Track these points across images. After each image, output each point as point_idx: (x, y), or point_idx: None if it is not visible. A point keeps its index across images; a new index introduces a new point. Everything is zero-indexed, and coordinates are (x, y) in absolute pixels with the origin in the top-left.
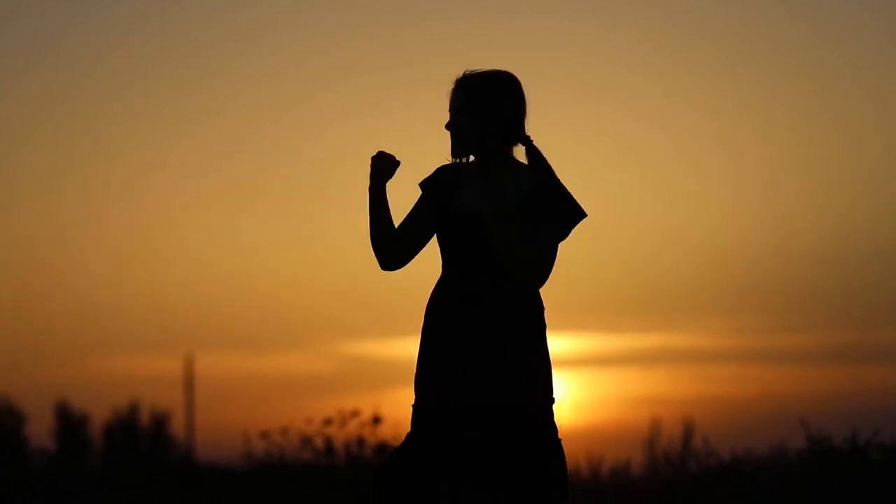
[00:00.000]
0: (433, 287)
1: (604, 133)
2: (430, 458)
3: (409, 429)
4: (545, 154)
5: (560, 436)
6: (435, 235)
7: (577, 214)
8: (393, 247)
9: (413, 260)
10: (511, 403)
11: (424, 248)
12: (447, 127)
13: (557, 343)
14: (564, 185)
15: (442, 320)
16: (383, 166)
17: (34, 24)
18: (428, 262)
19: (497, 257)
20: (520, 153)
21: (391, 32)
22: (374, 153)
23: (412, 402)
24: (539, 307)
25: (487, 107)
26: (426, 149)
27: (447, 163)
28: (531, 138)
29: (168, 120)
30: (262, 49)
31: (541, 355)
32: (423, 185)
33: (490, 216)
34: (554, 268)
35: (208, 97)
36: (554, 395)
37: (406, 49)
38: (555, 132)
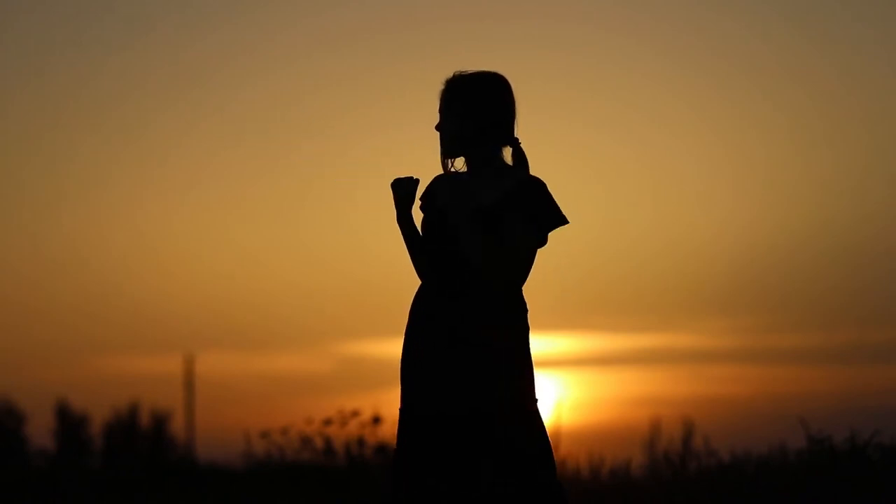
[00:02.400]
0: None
1: (603, 134)
2: (421, 463)
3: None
4: (543, 151)
5: (553, 439)
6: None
7: (559, 219)
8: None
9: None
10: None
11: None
12: (437, 128)
13: (558, 343)
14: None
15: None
16: (404, 191)
17: (38, 29)
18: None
19: (465, 257)
20: (507, 155)
21: (386, 34)
22: (392, 182)
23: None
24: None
25: (476, 109)
26: (421, 149)
27: (441, 173)
28: (519, 140)
29: (168, 121)
30: (263, 51)
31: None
32: (420, 199)
33: (456, 214)
34: (552, 269)
35: (209, 98)
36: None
37: (400, 50)
38: (555, 131)
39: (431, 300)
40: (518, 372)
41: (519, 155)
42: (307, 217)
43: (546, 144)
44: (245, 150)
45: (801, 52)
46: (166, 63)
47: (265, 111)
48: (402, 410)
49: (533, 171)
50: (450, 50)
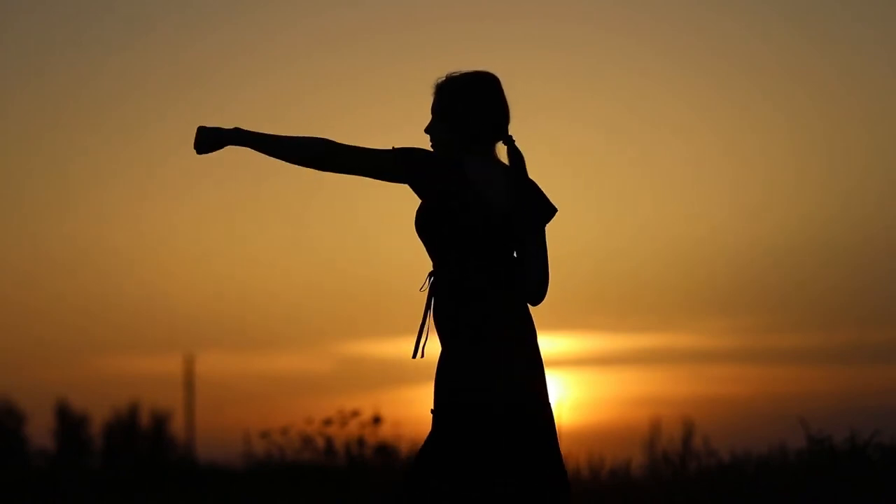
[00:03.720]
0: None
1: (603, 133)
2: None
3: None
4: (543, 151)
5: (558, 436)
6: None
7: (552, 210)
8: (312, 153)
9: (415, 261)
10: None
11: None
12: (426, 130)
13: (558, 343)
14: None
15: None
16: (202, 138)
17: (38, 29)
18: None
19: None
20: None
21: (386, 34)
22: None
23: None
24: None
25: (465, 112)
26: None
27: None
28: (513, 138)
29: (168, 121)
30: (263, 51)
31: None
32: (409, 152)
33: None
34: (552, 269)
35: (209, 98)
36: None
37: (400, 50)
38: (555, 131)
39: (458, 301)
40: (534, 371)
41: (514, 153)
42: (308, 217)
43: (546, 144)
44: (245, 151)
45: (801, 52)
46: (166, 63)
47: (265, 111)
48: (434, 411)
49: (532, 172)
50: (449, 50)
